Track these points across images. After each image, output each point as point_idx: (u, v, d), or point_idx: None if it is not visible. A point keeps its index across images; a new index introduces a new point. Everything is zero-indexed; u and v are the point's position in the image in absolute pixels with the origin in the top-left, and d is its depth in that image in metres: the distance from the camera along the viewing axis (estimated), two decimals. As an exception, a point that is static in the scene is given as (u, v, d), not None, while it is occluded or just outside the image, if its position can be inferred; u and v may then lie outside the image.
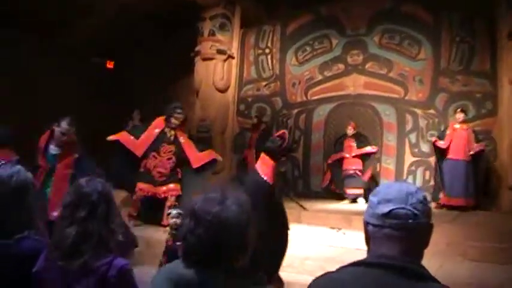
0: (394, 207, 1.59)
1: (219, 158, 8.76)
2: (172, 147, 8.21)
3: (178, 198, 8.14)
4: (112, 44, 12.99)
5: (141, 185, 8.11)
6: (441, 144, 9.59)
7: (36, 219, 2.92)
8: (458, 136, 9.52)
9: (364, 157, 10.45)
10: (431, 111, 10.53)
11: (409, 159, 10.60)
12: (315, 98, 11.69)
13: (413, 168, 10.52)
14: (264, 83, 12.29)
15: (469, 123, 9.75)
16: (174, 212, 5.47)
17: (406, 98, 10.79)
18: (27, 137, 6.52)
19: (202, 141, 11.42)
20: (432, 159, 10.13)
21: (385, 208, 1.60)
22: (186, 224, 1.88)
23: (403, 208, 1.59)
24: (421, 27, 10.73)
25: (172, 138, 8.28)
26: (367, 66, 11.16)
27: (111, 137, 8.23)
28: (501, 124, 9.75)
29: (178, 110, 8.32)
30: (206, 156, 8.55)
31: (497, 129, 9.87)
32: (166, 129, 8.30)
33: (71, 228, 2.46)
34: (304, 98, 11.81)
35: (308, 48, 11.85)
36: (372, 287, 1.54)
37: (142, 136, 8.29)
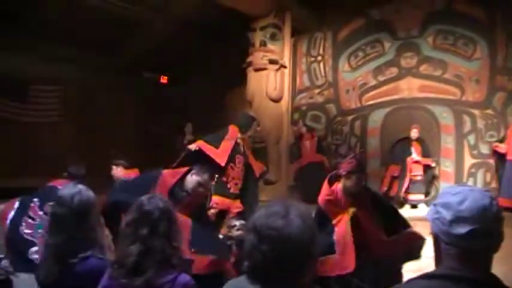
0: (471, 227, 1.54)
1: (266, 170, 8.67)
2: (243, 159, 7.91)
3: (240, 213, 7.75)
4: (165, 59, 13.21)
5: (216, 199, 7.57)
6: (500, 149, 9.32)
7: (99, 238, 2.99)
8: (515, 136, 9.24)
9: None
10: (489, 111, 10.24)
11: (468, 161, 10.32)
12: (370, 103, 11.56)
13: (473, 170, 10.24)
14: (317, 91, 12.25)
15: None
16: (237, 223, 5.44)
17: (463, 99, 10.51)
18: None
19: (258, 152, 11.48)
20: (492, 161, 9.86)
21: (461, 229, 1.56)
22: (250, 240, 1.86)
23: (480, 229, 1.54)
24: (475, 26, 10.45)
25: (243, 149, 7.99)
26: (421, 69, 10.95)
27: (194, 147, 7.68)
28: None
29: (257, 124, 8.23)
30: (262, 165, 8.50)
31: (558, 127, 9.52)
32: (239, 140, 7.96)
33: (134, 246, 2.49)
34: (359, 104, 11.70)
35: (360, 54, 11.75)
36: None
37: (221, 146, 7.77)
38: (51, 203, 3.12)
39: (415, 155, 10.22)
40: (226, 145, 7.82)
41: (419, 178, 10.18)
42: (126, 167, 7.64)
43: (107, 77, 12.34)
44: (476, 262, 1.57)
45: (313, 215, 1.81)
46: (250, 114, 8.43)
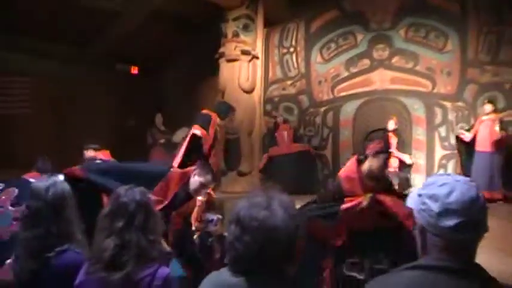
0: (459, 220, 1.54)
1: None
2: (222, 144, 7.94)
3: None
4: (137, 50, 13.09)
5: None
6: (465, 137, 9.49)
7: (76, 232, 2.93)
8: (484, 128, 9.38)
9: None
10: (461, 103, 10.39)
11: (439, 152, 10.45)
12: (342, 94, 11.61)
13: (444, 161, 10.37)
14: (289, 82, 12.27)
15: (499, 114, 9.61)
16: (214, 217, 5.36)
17: (434, 91, 10.65)
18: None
19: (231, 143, 11.48)
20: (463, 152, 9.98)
21: (449, 222, 1.55)
22: (232, 231, 1.83)
23: (468, 221, 1.55)
24: (447, 19, 10.57)
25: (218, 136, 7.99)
26: (393, 61, 11.04)
27: (197, 132, 7.49)
28: (532, 114, 9.59)
29: (233, 113, 8.23)
30: None
31: (529, 120, 9.69)
32: (217, 127, 7.95)
33: (110, 239, 2.45)
34: (331, 96, 11.75)
35: (333, 45, 11.78)
36: None
37: (209, 133, 7.68)
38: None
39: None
40: (211, 132, 7.77)
41: (392, 170, 10.24)
42: (96, 149, 7.58)
43: (79, 69, 12.19)
44: (463, 253, 1.58)
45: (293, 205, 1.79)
46: (229, 103, 8.32)
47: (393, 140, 10.28)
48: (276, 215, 1.78)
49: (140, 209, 2.51)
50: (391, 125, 10.32)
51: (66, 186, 3.01)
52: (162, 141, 12.39)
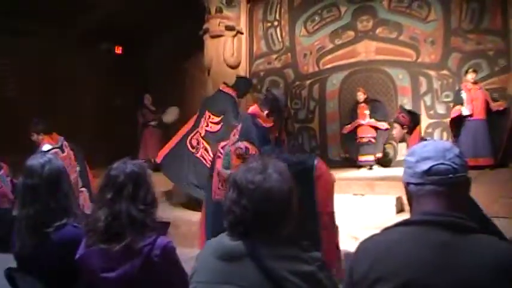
0: (433, 163, 1.65)
1: None
2: None
3: None
4: (121, 29, 13.01)
5: None
6: (465, 111, 9.46)
7: (74, 206, 2.97)
8: (475, 96, 9.46)
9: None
10: (445, 72, 10.48)
11: (425, 121, 10.52)
12: (327, 67, 11.67)
13: (430, 130, 10.48)
14: (274, 56, 12.27)
15: (484, 82, 9.72)
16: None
17: (419, 60, 10.73)
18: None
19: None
20: (448, 121, 10.06)
21: (424, 166, 1.66)
22: (229, 196, 1.90)
23: (442, 164, 1.64)
24: (429, -12, 10.64)
25: None
26: (377, 32, 11.10)
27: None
28: (515, 80, 9.69)
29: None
30: None
31: (512, 86, 9.82)
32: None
33: (101, 210, 2.51)
34: (316, 68, 11.79)
35: (317, 18, 11.79)
36: (423, 245, 1.59)
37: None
38: None
39: (361, 119, 10.46)
40: None
41: (366, 140, 10.36)
42: (45, 132, 7.34)
43: (62, 49, 12.08)
44: (448, 203, 1.65)
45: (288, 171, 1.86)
46: (249, 78, 8.23)
47: (366, 111, 10.40)
48: (270, 178, 1.86)
49: (129, 180, 2.55)
50: (360, 96, 10.41)
51: (61, 163, 3.06)
52: (154, 123, 12.33)
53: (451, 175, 1.63)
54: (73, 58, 12.24)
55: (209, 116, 7.93)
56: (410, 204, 1.76)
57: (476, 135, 9.38)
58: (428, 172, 1.65)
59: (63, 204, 2.89)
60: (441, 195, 1.64)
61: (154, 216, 2.61)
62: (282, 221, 1.89)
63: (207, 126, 7.75)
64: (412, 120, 5.39)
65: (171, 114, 12.29)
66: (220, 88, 8.31)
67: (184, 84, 13.77)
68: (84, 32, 12.51)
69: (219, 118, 7.97)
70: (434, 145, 1.70)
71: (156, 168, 11.91)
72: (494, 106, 9.40)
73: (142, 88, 12.98)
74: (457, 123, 9.63)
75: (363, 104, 10.52)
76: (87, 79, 12.71)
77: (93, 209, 2.60)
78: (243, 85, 8.36)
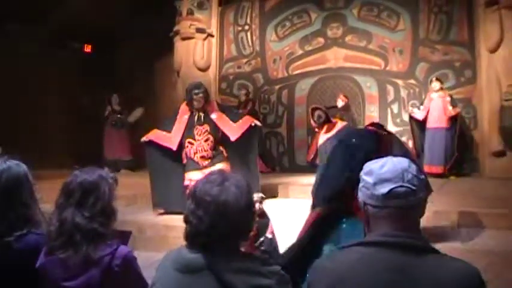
0: (392, 186, 1.63)
1: (257, 122, 8.19)
2: (206, 127, 7.68)
3: None
4: (91, 28, 12.89)
5: (190, 175, 7.50)
6: (417, 116, 9.76)
7: (35, 214, 2.92)
8: (435, 105, 9.68)
9: None
10: (412, 81, 10.64)
11: (392, 129, 10.62)
12: (297, 72, 11.73)
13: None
14: (244, 60, 12.28)
15: (449, 92, 9.89)
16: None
17: (387, 69, 10.88)
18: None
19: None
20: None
21: (383, 189, 1.64)
22: (188, 206, 1.91)
23: (401, 186, 1.62)
24: (399, -2, 10.81)
25: (202, 118, 7.72)
26: (347, 39, 11.21)
27: (144, 138, 7.90)
28: (480, 91, 9.89)
29: (196, 91, 7.75)
30: (243, 125, 8.00)
31: (477, 97, 10.01)
32: (194, 112, 7.76)
33: (53, 216, 2.51)
34: (286, 74, 11.84)
35: (287, 24, 11.85)
36: (380, 267, 1.60)
37: (174, 128, 7.81)
38: None
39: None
40: (179, 125, 7.79)
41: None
42: None
43: (30, 48, 11.91)
44: (406, 225, 1.65)
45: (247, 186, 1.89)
46: (191, 85, 8.15)
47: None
48: (228, 191, 1.87)
49: (79, 187, 2.51)
50: (340, 102, 10.48)
51: (22, 169, 2.98)
52: (114, 123, 12.19)
53: (410, 197, 1.63)
54: (41, 56, 12.08)
55: None
56: (367, 222, 1.76)
57: (433, 143, 9.61)
58: (387, 196, 1.63)
59: (23, 213, 2.83)
60: (399, 216, 1.64)
61: (108, 225, 2.58)
62: (238, 234, 1.91)
63: None
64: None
65: (134, 115, 12.21)
66: None
67: (153, 85, 13.70)
68: (53, 29, 12.36)
69: None
70: (393, 165, 1.68)
71: (122, 166, 11.92)
72: (449, 112, 9.56)
73: (111, 88, 12.87)
74: (419, 130, 9.94)
75: (340, 110, 10.48)
76: (55, 78, 12.55)
77: (50, 215, 2.58)
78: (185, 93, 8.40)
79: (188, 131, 7.70)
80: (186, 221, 1.92)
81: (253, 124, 8.02)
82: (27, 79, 11.77)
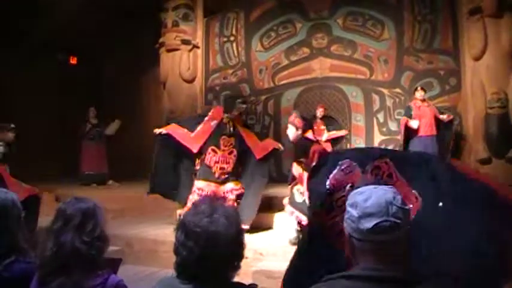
0: (377, 221, 1.63)
1: (280, 146, 8.17)
2: (232, 140, 7.52)
3: (239, 197, 7.44)
4: (77, 39, 12.86)
5: (200, 184, 7.30)
6: (413, 124, 9.76)
7: (21, 242, 2.88)
8: (424, 113, 9.73)
9: (333, 141, 10.52)
10: (397, 90, 10.70)
11: (378, 138, 10.76)
12: (283, 83, 11.77)
13: (382, 146, 10.64)
14: (230, 71, 12.30)
15: (435, 100, 9.97)
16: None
17: (372, 78, 10.94)
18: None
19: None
20: (400, 137, 10.24)
21: (368, 223, 1.64)
22: (178, 237, 1.92)
23: (386, 221, 1.62)
24: (383, 8, 10.89)
25: (231, 129, 7.56)
26: (332, 49, 11.26)
27: (162, 130, 7.58)
28: (465, 99, 9.96)
29: (242, 103, 7.83)
30: (268, 145, 8.01)
31: (462, 105, 10.09)
32: (225, 120, 7.57)
33: (49, 241, 2.47)
34: (272, 84, 11.87)
35: (273, 34, 11.89)
36: None
37: (199, 128, 7.55)
38: None
39: (317, 135, 10.45)
40: (204, 128, 7.57)
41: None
42: None
43: (15, 58, 11.85)
44: (391, 258, 1.66)
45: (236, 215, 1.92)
46: (235, 94, 8.05)
47: (322, 127, 10.48)
48: (217, 223, 1.88)
49: (78, 211, 2.51)
50: (319, 113, 10.51)
51: (9, 196, 2.93)
52: (90, 137, 12.07)
53: (395, 232, 1.63)
54: (25, 68, 12.03)
55: None
56: (352, 253, 1.76)
57: (425, 150, 9.63)
58: (372, 231, 1.63)
59: (10, 241, 2.80)
60: (384, 250, 1.65)
61: (103, 252, 2.57)
62: (228, 265, 1.93)
63: None
64: (307, 124, 5.34)
65: (111, 127, 12.12)
66: None
67: (139, 97, 13.69)
68: (38, 42, 12.30)
69: None
70: (377, 198, 1.67)
71: (99, 180, 11.85)
72: (443, 118, 9.64)
73: (95, 100, 12.83)
74: (409, 140, 9.91)
75: (319, 121, 10.56)
76: (41, 89, 12.49)
77: (42, 241, 2.55)
78: (228, 100, 8.32)
79: (213, 138, 7.49)
80: (176, 252, 1.92)
81: (277, 147, 8.02)
82: (8, 90, 11.70)
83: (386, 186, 1.77)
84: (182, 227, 1.92)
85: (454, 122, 9.82)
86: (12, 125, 7.74)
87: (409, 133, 9.81)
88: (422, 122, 9.68)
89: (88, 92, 13.28)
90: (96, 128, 12.09)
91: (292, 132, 6.48)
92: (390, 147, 10.50)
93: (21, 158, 7.98)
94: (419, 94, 9.80)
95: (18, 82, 11.93)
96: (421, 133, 9.72)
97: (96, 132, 12.07)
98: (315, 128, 10.50)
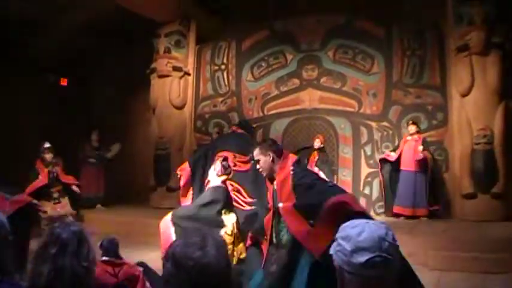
0: (370, 256, 1.65)
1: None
2: None
3: None
4: (68, 62, 12.90)
5: None
6: (390, 157, 9.98)
7: (7, 263, 2.85)
8: (409, 147, 9.89)
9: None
10: (385, 123, 10.77)
11: (365, 170, 10.78)
12: (272, 112, 11.81)
13: (369, 179, 10.69)
14: (220, 99, 12.35)
15: (421, 134, 10.04)
16: None
17: (361, 111, 11.00)
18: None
19: (161, 159, 11.49)
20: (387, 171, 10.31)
21: (360, 258, 1.65)
22: (168, 269, 1.91)
23: (379, 256, 1.64)
24: (373, 42, 11.00)
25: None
26: (321, 81, 11.34)
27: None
28: (452, 134, 10.04)
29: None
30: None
31: (448, 140, 10.17)
32: None
33: (44, 266, 2.45)
34: (261, 114, 11.91)
35: (264, 64, 11.99)
36: None
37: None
38: None
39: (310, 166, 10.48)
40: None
41: None
42: None
43: (6, 78, 11.84)
44: None
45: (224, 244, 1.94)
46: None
47: (315, 159, 10.50)
48: (209, 254, 1.88)
49: (74, 236, 2.50)
50: (317, 143, 10.56)
51: None
52: (92, 160, 12.04)
53: (386, 267, 1.66)
54: (19, 88, 12.04)
55: (234, 156, 7.44)
56: (341, 285, 1.77)
57: (403, 185, 9.81)
58: (364, 265, 1.65)
59: None
60: (374, 285, 1.67)
61: (93, 274, 2.57)
62: None
63: (235, 166, 7.17)
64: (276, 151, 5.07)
65: (113, 151, 12.12)
66: (234, 129, 8.03)
67: (128, 121, 13.69)
68: (31, 62, 12.33)
69: (247, 157, 7.62)
70: (370, 233, 1.69)
71: (95, 204, 11.79)
72: (417, 156, 9.70)
73: (86, 122, 12.82)
74: (391, 171, 10.13)
75: (315, 152, 10.60)
76: (29, 110, 12.47)
77: (34, 265, 2.53)
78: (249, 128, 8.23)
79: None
80: (166, 283, 1.92)
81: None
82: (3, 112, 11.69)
83: (378, 221, 1.80)
84: (172, 258, 1.91)
85: (429, 161, 9.81)
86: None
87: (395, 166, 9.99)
88: (403, 156, 9.84)
89: (78, 113, 13.29)
90: (97, 151, 12.10)
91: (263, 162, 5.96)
92: (376, 180, 10.55)
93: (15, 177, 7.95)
94: (410, 128, 9.96)
95: (7, 101, 11.91)
96: (403, 167, 9.95)
97: (97, 155, 12.07)
98: (310, 158, 10.52)
